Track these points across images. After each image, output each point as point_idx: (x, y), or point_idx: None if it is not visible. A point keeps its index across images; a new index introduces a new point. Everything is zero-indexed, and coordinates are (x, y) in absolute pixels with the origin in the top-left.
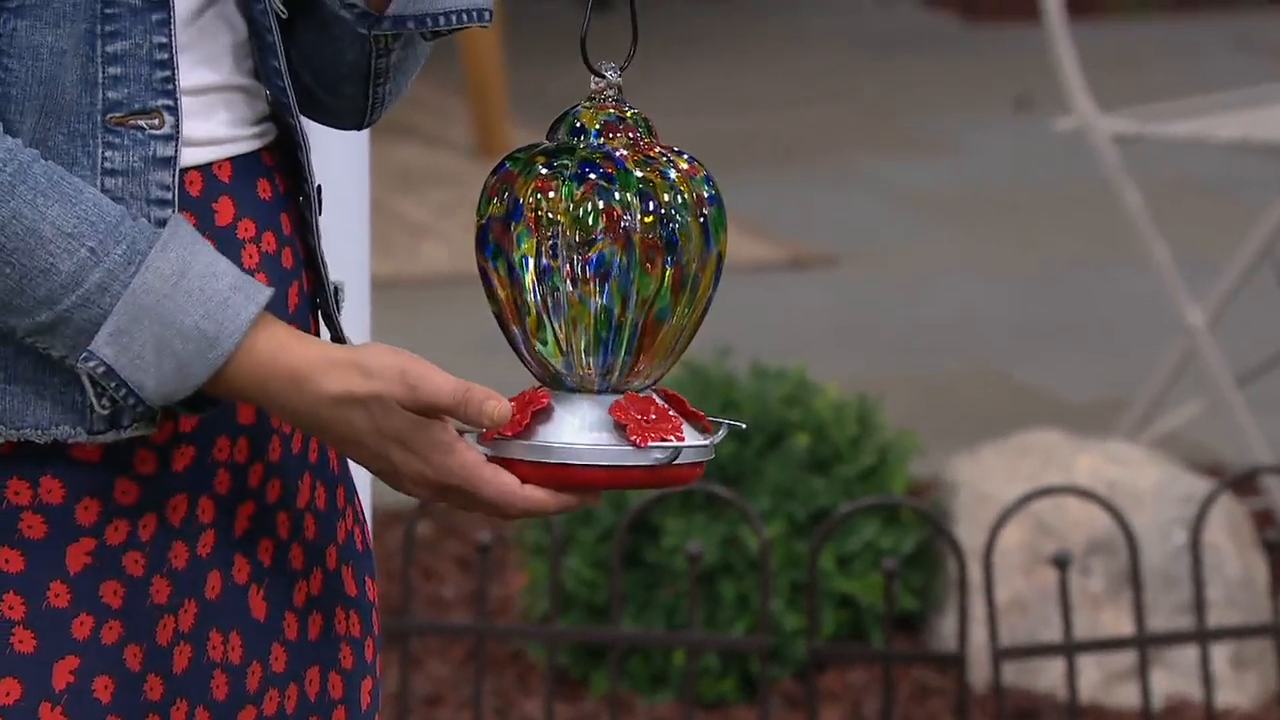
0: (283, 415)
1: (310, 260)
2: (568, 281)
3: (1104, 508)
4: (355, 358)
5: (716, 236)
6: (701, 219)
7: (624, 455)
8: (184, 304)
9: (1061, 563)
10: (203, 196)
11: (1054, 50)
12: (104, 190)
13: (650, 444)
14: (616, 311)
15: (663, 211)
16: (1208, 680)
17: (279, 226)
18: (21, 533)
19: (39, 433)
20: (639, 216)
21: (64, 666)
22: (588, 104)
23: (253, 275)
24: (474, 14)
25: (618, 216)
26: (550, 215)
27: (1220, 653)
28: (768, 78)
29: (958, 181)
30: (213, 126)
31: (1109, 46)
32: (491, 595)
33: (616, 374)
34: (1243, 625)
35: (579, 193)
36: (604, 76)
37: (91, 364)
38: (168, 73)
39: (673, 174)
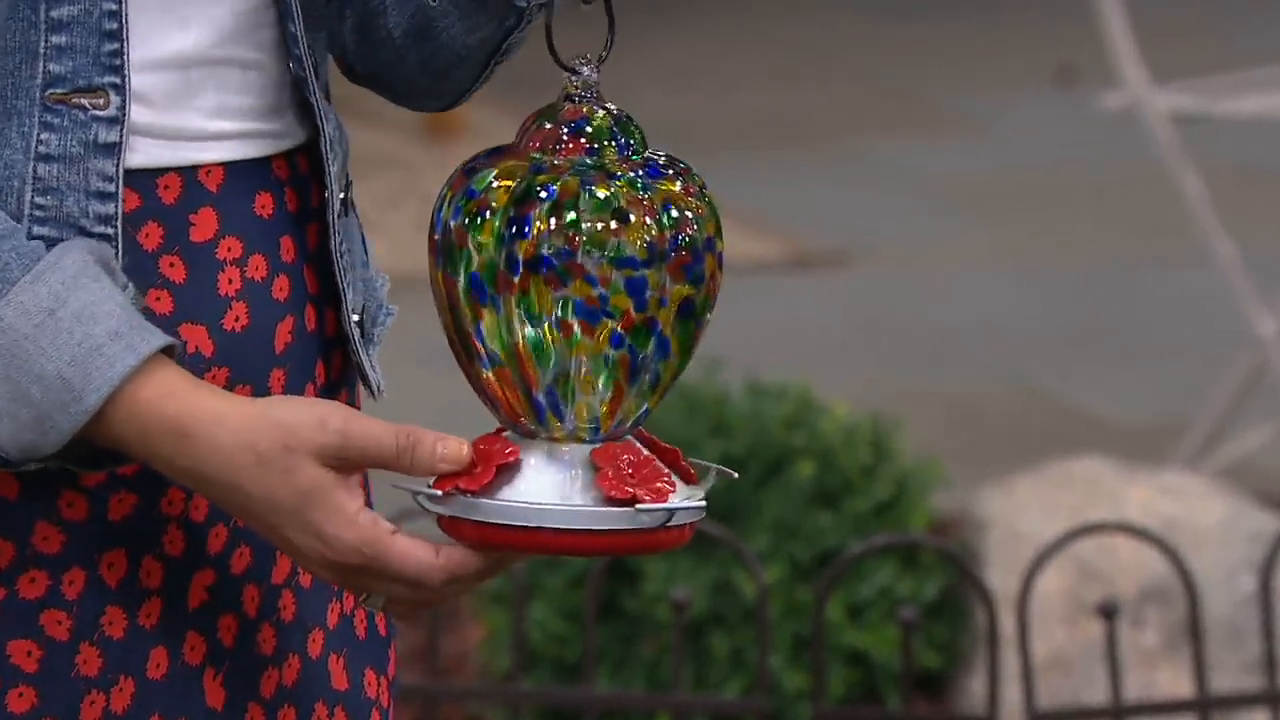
0: (173, 475)
1: (329, 290)
2: (549, 324)
3: (1159, 548)
4: (265, 408)
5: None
6: (699, 238)
7: (606, 519)
8: (47, 347)
9: (1109, 612)
10: (178, 205)
11: (1101, 14)
12: (36, 178)
13: (644, 505)
14: (600, 349)
15: (652, 233)
16: None
17: (275, 250)
18: None
19: None
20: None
21: None
22: (565, 104)
23: (230, 304)
24: None
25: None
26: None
27: None
28: (765, 48)
29: (988, 167)
30: (191, 115)
31: (1164, 10)
32: (444, 651)
33: (599, 419)
34: None
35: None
36: (579, 74)
37: None
38: (116, 45)
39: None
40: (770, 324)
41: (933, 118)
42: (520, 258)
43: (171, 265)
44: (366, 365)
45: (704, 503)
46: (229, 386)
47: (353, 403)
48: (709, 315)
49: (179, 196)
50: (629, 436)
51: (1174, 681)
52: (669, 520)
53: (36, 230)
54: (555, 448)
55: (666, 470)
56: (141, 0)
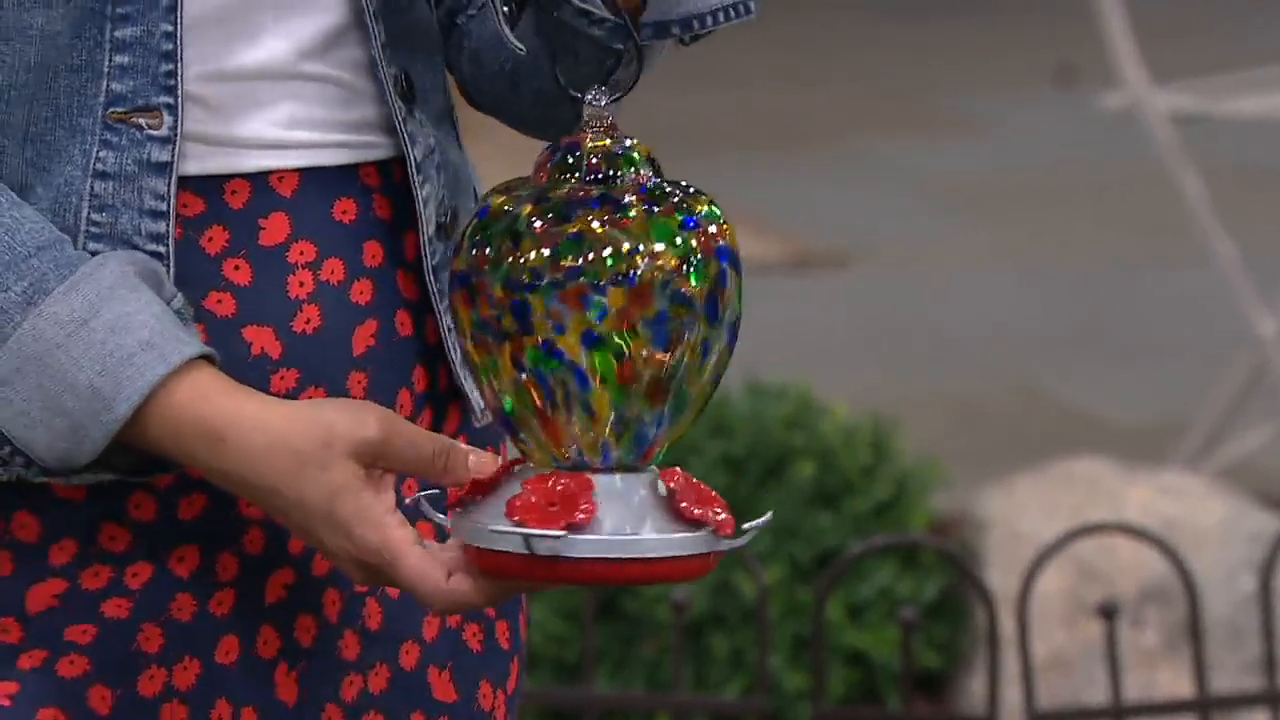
0: (210, 477)
1: (421, 298)
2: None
3: (1159, 549)
4: (308, 409)
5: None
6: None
7: (492, 539)
8: (79, 356)
9: (1109, 613)
10: (247, 209)
11: (1101, 14)
12: (94, 195)
13: (496, 527)
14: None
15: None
16: None
17: (357, 255)
18: None
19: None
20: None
21: None
22: (588, 136)
23: (300, 306)
24: (740, 8)
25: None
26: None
27: None
28: (765, 48)
29: (988, 168)
30: (262, 125)
31: (1164, 10)
32: None
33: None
34: None
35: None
36: (590, 105)
37: None
38: (171, 66)
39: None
40: (770, 324)
41: (933, 118)
42: (451, 274)
43: (236, 268)
44: (466, 386)
45: (524, 530)
46: (300, 388)
47: (467, 418)
48: (648, 352)
49: (248, 201)
50: (654, 469)
51: (1174, 682)
52: (524, 544)
53: (91, 246)
54: (527, 469)
55: (575, 503)
56: (205, 17)
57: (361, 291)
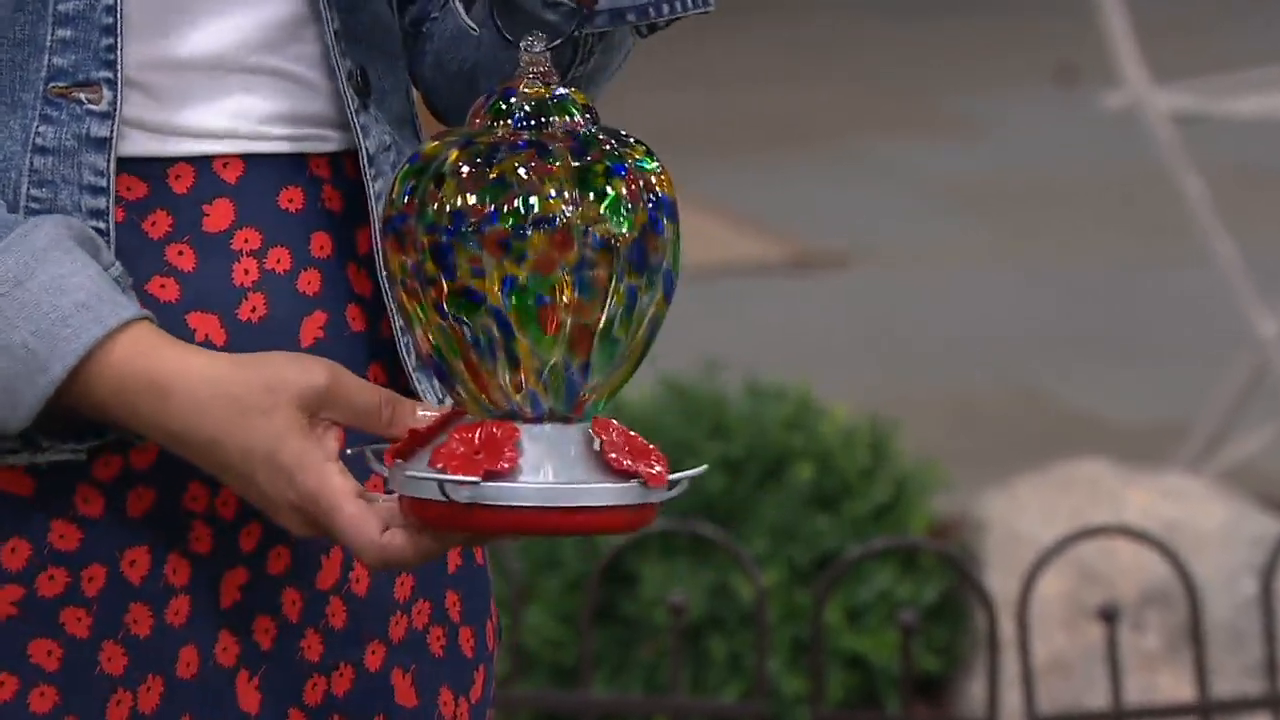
0: (152, 435)
1: (375, 294)
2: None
3: (1160, 551)
4: (250, 359)
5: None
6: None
7: (409, 485)
8: (13, 317)
9: (1110, 616)
10: (191, 194)
11: (1101, 14)
12: (33, 170)
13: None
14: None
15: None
16: None
17: (304, 245)
18: None
19: None
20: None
21: None
22: (523, 83)
23: (245, 295)
24: (698, 0)
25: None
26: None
27: None
28: (765, 48)
29: (988, 168)
30: (209, 114)
31: (1164, 10)
32: None
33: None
34: None
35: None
36: (527, 51)
37: None
38: (112, 40)
39: (623, 168)
40: (770, 325)
41: (933, 118)
42: (383, 219)
43: (180, 254)
44: (414, 382)
45: (439, 476)
46: None
47: None
48: (569, 298)
49: (191, 186)
50: (595, 419)
51: (1175, 685)
52: (439, 490)
53: None
54: (463, 419)
55: (499, 451)
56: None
57: (309, 282)
